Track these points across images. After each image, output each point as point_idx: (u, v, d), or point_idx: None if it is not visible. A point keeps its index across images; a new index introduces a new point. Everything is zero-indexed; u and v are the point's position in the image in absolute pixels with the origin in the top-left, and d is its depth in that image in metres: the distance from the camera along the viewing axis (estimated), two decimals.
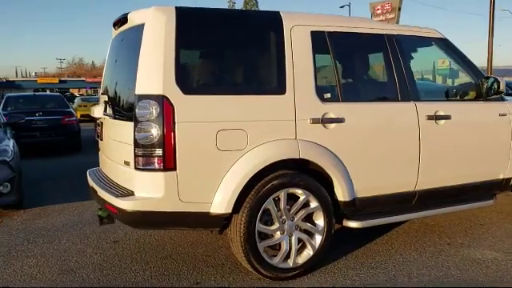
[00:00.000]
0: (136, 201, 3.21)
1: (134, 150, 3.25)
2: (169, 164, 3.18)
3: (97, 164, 9.49)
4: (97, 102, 19.62)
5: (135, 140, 3.23)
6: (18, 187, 5.76)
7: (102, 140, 4.18)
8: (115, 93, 3.82)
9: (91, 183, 4.01)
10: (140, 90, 3.23)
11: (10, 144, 5.94)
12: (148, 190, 3.24)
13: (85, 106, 24.03)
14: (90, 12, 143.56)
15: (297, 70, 3.52)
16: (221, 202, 3.29)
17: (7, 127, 6.68)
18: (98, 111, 4.02)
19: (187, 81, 3.39)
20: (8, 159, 5.66)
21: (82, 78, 70.57)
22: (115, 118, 3.66)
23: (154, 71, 3.22)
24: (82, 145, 12.14)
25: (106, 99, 3.88)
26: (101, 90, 4.47)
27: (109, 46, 4.38)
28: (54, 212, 5.93)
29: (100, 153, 4.43)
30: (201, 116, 3.25)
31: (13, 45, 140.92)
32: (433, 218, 5.06)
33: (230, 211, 3.30)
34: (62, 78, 69.01)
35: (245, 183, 3.31)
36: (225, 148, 3.29)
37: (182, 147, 3.19)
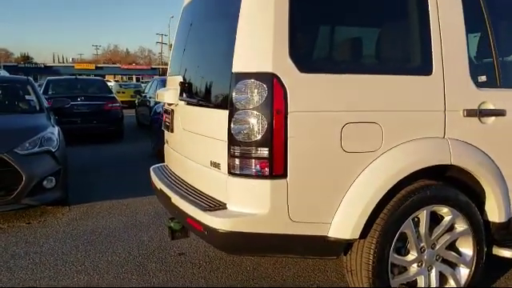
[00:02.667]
0: (233, 218, 2.34)
1: (229, 148, 2.37)
2: (278, 169, 2.29)
3: (142, 154, 8.59)
4: (134, 88, 18.99)
5: (230, 135, 2.36)
6: (64, 182, 5.02)
7: (172, 132, 3.33)
8: (197, 72, 2.94)
9: (159, 185, 3.18)
10: (239, 66, 2.34)
11: (55, 132, 5.20)
12: (247, 204, 2.36)
13: (123, 93, 23.49)
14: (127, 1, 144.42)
15: (446, 40, 2.56)
16: (344, 224, 2.39)
17: (51, 112, 5.95)
18: (169, 96, 3.17)
19: (305, 54, 2.49)
20: (53, 149, 4.91)
21: (118, 65, 70.97)
22: (197, 105, 2.79)
23: (260, 41, 2.32)
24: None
25: (182, 80, 3.00)
26: (169, 70, 3.62)
27: (180, 15, 3.51)
28: (103, 211, 5.18)
29: (167, 147, 3.59)
30: (323, 103, 2.35)
31: (50, 31, 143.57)
32: None
33: (357, 236, 2.40)
34: (98, 65, 69.55)
35: (379, 198, 2.39)
36: (352, 149, 2.38)
37: (295, 146, 2.30)
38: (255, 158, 2.31)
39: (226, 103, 2.40)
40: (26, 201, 4.63)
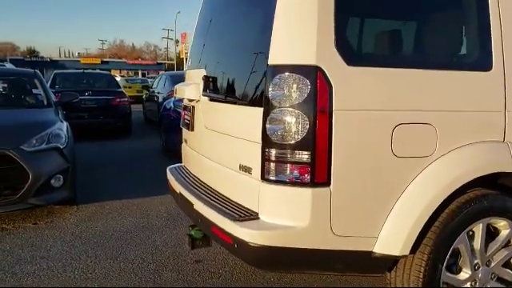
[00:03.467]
0: (268, 231, 2.06)
1: (263, 150, 2.10)
2: (320, 176, 2.01)
3: (152, 151, 8.28)
4: (141, 83, 18.75)
5: (265, 136, 2.08)
6: (72, 180, 4.76)
7: (192, 130, 3.05)
8: (224, 64, 2.65)
9: (178, 188, 2.91)
10: (276, 58, 2.06)
11: (64, 128, 4.94)
12: (284, 215, 2.09)
13: (129, 88, 23.24)
14: None
15: (507, 31, 2.26)
16: (393, 238, 2.11)
17: (58, 107, 5.69)
18: (190, 91, 2.89)
19: (353, 44, 2.21)
20: (61, 146, 4.65)
21: (123, 60, 70.73)
22: (224, 102, 2.51)
23: (301, 29, 2.04)
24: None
25: (205, 74, 2.72)
26: (188, 63, 3.34)
27: (202, 4, 3.24)
28: (113, 211, 4.92)
29: (186, 147, 3.31)
30: (372, 100, 2.07)
31: (56, 25, 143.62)
32: None
33: (407, 252, 2.12)
34: (104, 59, 69.33)
35: (433, 209, 2.11)
36: (404, 153, 2.09)
37: (340, 150, 2.02)
38: (294, 162, 2.03)
39: (260, 100, 2.12)
40: (33, 200, 4.37)
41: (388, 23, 2.48)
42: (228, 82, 2.47)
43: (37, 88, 5.89)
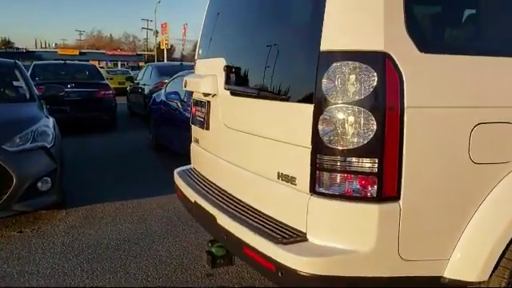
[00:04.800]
0: (324, 258, 1.67)
1: (314, 157, 1.71)
2: (389, 189, 1.63)
3: (140, 145, 7.74)
4: (122, 74, 18.11)
5: (317, 139, 1.69)
6: (61, 183, 4.29)
7: (206, 129, 2.64)
8: (255, 52, 2.22)
9: (194, 197, 2.50)
10: (332, 42, 1.67)
11: (50, 124, 4.45)
12: (341, 237, 1.70)
13: (111, 79, 22.47)
14: None
15: None
16: (468, 261, 1.76)
17: (42, 101, 5.18)
18: (206, 84, 2.48)
19: (427, 27, 1.82)
20: (48, 145, 4.18)
21: (102, 51, 69.15)
22: (255, 96, 2.09)
23: (364, 7, 1.65)
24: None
25: (227, 64, 2.30)
26: (199, 52, 2.92)
27: None
28: (106, 216, 4.48)
29: (197, 147, 2.90)
30: (450, 95, 1.70)
31: (31, 16, 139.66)
32: None
33: (486, 278, 1.76)
34: (83, 50, 67.67)
35: None
36: (483, 159, 1.73)
37: (412, 157, 1.64)
38: (355, 172, 1.65)
39: (309, 95, 1.73)
40: (18, 207, 3.91)
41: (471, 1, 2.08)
42: (261, 72, 2.06)
43: (17, 80, 5.35)
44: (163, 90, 7.92)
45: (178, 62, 14.78)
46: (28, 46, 66.78)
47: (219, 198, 2.32)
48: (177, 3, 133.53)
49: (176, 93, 6.56)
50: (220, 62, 2.39)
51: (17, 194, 3.83)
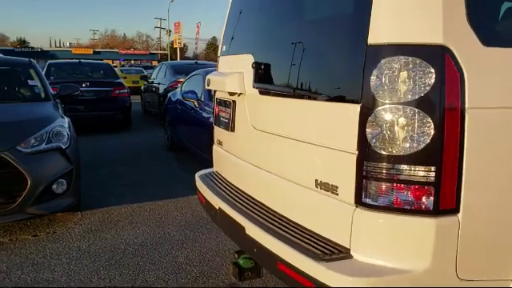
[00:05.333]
0: (374, 278, 1.48)
1: (360, 163, 1.52)
2: (448, 201, 1.44)
3: (156, 146, 7.57)
4: (136, 73, 18.06)
5: (364, 143, 1.51)
6: (76, 185, 4.15)
7: (231, 131, 2.47)
8: (289, 47, 2.03)
9: (218, 203, 2.33)
10: (382, 35, 1.48)
11: (65, 124, 4.32)
12: (391, 254, 1.52)
13: (125, 78, 22.43)
14: None
15: None
16: None
17: (57, 100, 5.05)
18: (232, 82, 2.30)
19: (491, 18, 1.61)
20: (63, 146, 4.04)
21: (116, 50, 69.53)
22: (290, 96, 1.91)
23: None
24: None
25: (255, 61, 2.12)
26: (223, 49, 2.74)
27: None
28: (123, 219, 4.33)
29: (220, 150, 2.73)
30: None
31: (46, 16, 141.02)
32: None
33: None
34: (96, 49, 68.11)
35: None
36: None
37: (474, 164, 1.45)
38: (409, 181, 1.46)
39: (354, 94, 1.54)
40: (32, 210, 3.77)
41: None
42: (295, 69, 1.88)
43: (32, 79, 5.23)
44: (179, 89, 7.78)
45: (193, 61, 14.64)
46: (43, 45, 67.50)
47: (247, 206, 2.15)
48: (190, 2, 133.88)
49: (193, 92, 6.40)
50: (247, 59, 2.22)
51: (31, 196, 3.70)
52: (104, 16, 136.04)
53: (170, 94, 8.26)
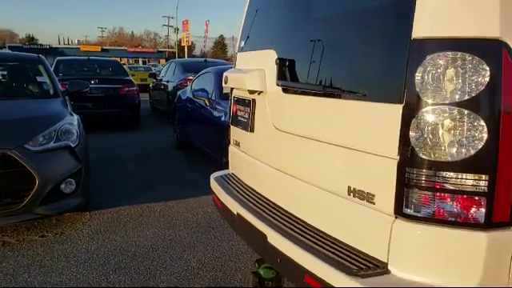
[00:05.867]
0: None
1: (402, 170, 1.38)
2: (501, 213, 1.30)
3: (165, 144, 7.50)
4: (145, 71, 18.06)
5: (407, 148, 1.36)
6: (85, 184, 4.03)
7: (250, 131, 2.33)
8: (317, 41, 1.89)
9: (235, 208, 2.19)
10: (428, 28, 1.34)
11: (75, 121, 4.20)
12: (435, 270, 1.37)
13: (133, 75, 22.34)
14: None
15: None
16: None
17: (66, 97, 4.94)
18: (253, 80, 2.16)
19: None
20: (72, 144, 3.92)
21: (124, 48, 69.71)
22: (319, 94, 1.77)
23: None
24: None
25: (279, 57, 1.98)
26: (240, 44, 2.60)
27: None
28: (132, 219, 4.21)
29: (237, 150, 2.59)
30: None
31: (55, 13, 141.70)
32: None
33: None
34: (104, 47, 68.28)
35: None
36: None
37: None
38: (456, 191, 1.31)
39: (396, 93, 1.39)
40: (40, 210, 3.66)
41: None
42: (325, 65, 1.73)
43: (41, 75, 5.12)
44: (189, 87, 7.65)
45: (202, 59, 14.52)
46: (51, 42, 67.78)
47: (268, 212, 2.01)
48: (197, 1, 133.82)
49: (203, 90, 6.27)
50: (269, 55, 2.08)
51: (39, 196, 3.58)
52: (112, 14, 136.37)
53: (179, 93, 8.13)
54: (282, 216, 1.94)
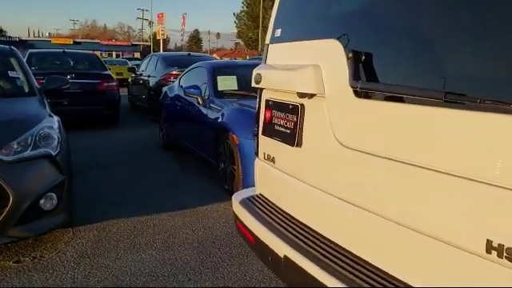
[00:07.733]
0: None
1: None
2: None
3: (150, 145, 7.06)
4: (121, 65, 17.39)
5: None
6: (69, 198, 3.43)
7: (296, 145, 1.80)
8: (416, 29, 1.35)
9: (282, 249, 1.67)
10: None
11: (55, 124, 3.59)
12: None
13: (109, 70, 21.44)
14: None
15: None
16: None
17: (43, 96, 4.30)
18: (307, 80, 1.64)
19: None
20: (53, 152, 3.32)
21: (97, 41, 67.83)
22: (431, 104, 1.24)
23: None
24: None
25: (352, 49, 1.46)
26: (275, 32, 2.06)
27: None
28: (123, 238, 3.64)
29: (270, 167, 2.06)
30: None
31: (24, 4, 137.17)
32: None
33: None
34: (77, 40, 66.30)
35: None
36: None
37: None
38: None
39: None
40: (16, 232, 3.06)
41: None
42: (438, 61, 1.22)
43: (14, 70, 4.46)
44: (176, 83, 7.06)
45: (186, 53, 13.85)
46: (21, 34, 65.43)
47: (335, 260, 1.49)
48: None
49: (195, 87, 5.71)
50: (330, 47, 1.56)
51: (14, 215, 2.98)
52: (85, 6, 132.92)
53: (165, 89, 7.53)
54: (358, 266, 1.42)
